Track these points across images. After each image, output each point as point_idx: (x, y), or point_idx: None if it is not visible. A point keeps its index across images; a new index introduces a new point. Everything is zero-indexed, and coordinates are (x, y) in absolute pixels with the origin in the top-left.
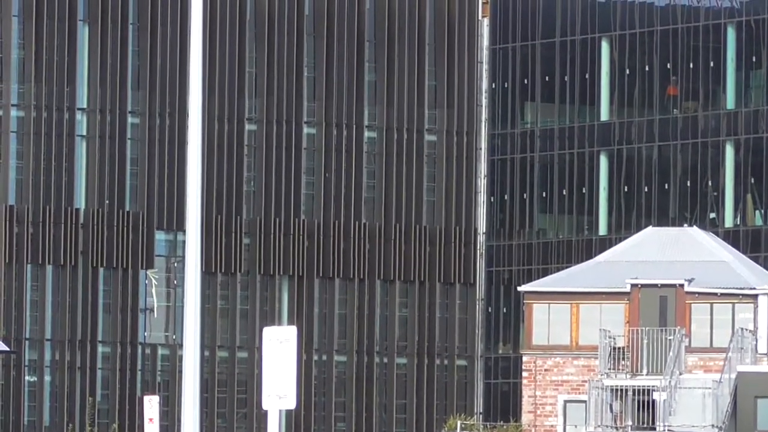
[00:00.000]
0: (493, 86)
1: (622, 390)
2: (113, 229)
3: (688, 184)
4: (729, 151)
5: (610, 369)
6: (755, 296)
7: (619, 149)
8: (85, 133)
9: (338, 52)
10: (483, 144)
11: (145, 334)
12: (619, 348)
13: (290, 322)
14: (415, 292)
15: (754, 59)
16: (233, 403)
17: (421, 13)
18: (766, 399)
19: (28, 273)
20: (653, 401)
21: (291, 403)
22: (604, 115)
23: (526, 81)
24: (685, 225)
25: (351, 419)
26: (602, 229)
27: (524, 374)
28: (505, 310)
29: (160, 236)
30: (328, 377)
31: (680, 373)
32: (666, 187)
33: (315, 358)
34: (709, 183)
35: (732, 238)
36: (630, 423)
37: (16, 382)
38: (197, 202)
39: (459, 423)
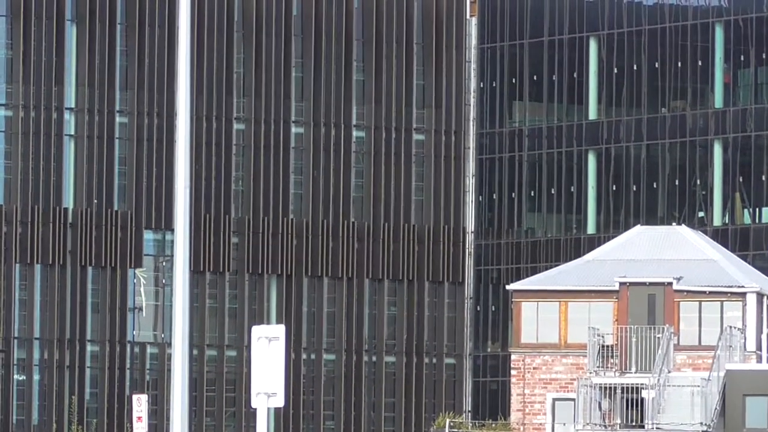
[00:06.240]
0: (482, 85)
1: (610, 388)
2: (102, 228)
3: (677, 182)
4: (717, 150)
5: (598, 367)
6: (743, 294)
7: (608, 148)
8: (73, 133)
9: (326, 51)
10: (471, 143)
11: (134, 333)
12: (607, 346)
13: (279, 321)
14: (404, 290)
15: (742, 58)
16: (222, 401)
17: (409, 12)
18: (754, 397)
19: (17, 272)
20: (642, 399)
21: (279, 402)
22: (593, 114)
23: (514, 80)
24: (674, 223)
25: (339, 418)
26: (590, 228)
27: (513, 372)
28: (493, 309)
29: (148, 235)
30: (317, 376)
31: (669, 371)
32: (654, 185)
33: (303, 356)
34: (698, 182)
35: (720, 236)
36: (618, 421)
37: (4, 381)
38: (186, 202)
39: (448, 421)
